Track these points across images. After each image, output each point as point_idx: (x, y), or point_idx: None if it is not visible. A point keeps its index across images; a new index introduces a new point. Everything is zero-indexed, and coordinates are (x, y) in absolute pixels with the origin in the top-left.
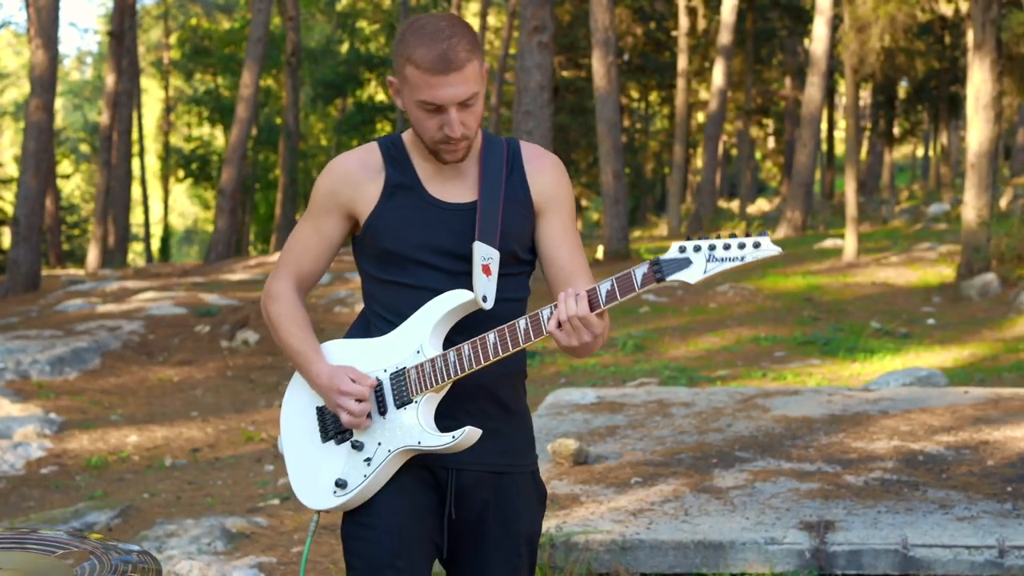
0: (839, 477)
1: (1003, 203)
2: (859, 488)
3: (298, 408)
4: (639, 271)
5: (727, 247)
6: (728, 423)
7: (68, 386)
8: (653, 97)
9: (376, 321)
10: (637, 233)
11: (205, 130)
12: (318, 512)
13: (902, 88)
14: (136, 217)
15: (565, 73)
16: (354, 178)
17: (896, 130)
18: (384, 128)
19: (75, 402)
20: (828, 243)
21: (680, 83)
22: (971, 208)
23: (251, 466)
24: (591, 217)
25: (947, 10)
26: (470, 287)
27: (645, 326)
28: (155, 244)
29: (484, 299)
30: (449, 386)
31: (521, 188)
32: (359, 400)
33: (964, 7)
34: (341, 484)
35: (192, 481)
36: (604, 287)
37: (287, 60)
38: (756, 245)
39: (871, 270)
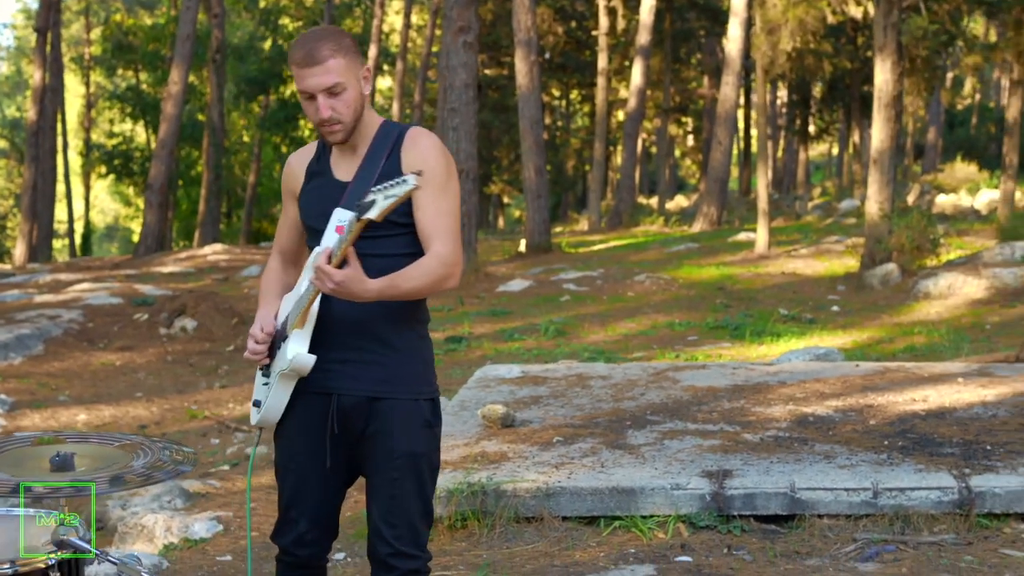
0: (738, 435)
1: (910, 199)
2: (755, 444)
3: None
4: (348, 216)
5: (392, 185)
6: (641, 392)
7: (14, 370)
8: (574, 95)
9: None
10: (559, 228)
11: (127, 126)
12: (258, 429)
13: (817, 88)
14: (58, 213)
15: (487, 71)
16: (293, 170)
17: (811, 128)
18: (307, 125)
19: (23, 384)
20: (741, 236)
21: (600, 82)
22: (874, 202)
23: (198, 440)
24: (512, 214)
25: (856, 12)
26: (362, 248)
27: (566, 313)
28: (76, 240)
29: (331, 256)
30: (309, 320)
31: (395, 164)
32: (258, 342)
33: (873, 9)
34: (256, 404)
35: None
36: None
37: (212, 57)
38: (406, 181)
39: (781, 261)
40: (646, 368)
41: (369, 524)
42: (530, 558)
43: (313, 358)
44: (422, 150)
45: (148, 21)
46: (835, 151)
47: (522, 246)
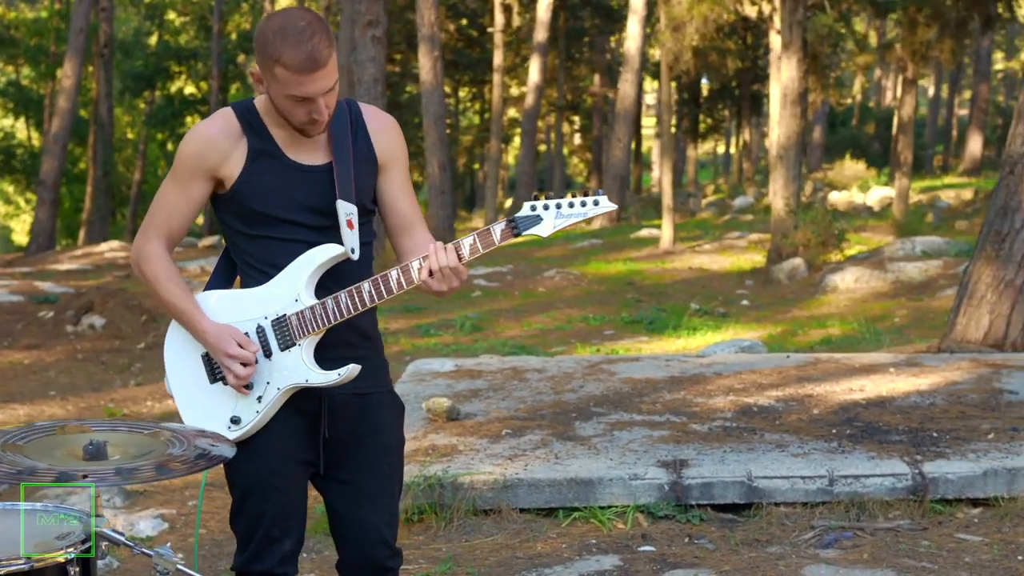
0: (686, 426)
1: (804, 195)
2: (704, 434)
3: (182, 354)
4: (497, 228)
5: (571, 204)
6: (580, 385)
7: None
8: (463, 93)
9: (248, 271)
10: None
11: (8, 122)
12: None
13: (705, 86)
14: None
15: None
16: (219, 144)
17: (701, 127)
18: (195, 121)
19: None
20: (644, 232)
21: (496, 78)
22: (779, 197)
23: None
24: None
25: (751, 12)
26: (334, 239)
27: (479, 308)
28: None
29: (352, 251)
30: (327, 330)
31: (367, 147)
32: (245, 364)
33: (767, 8)
34: (236, 420)
35: None
36: (466, 242)
37: (99, 52)
38: (596, 203)
39: (687, 257)
40: (580, 361)
41: (355, 529)
42: (492, 550)
43: (359, 367)
44: (392, 133)
45: (30, 15)
46: (720, 149)
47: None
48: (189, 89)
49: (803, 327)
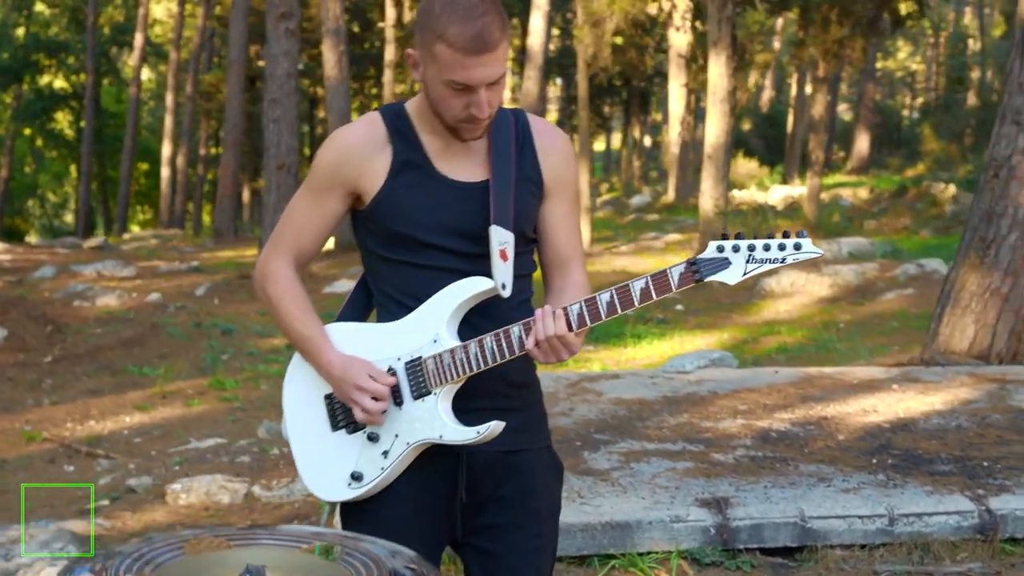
0: (707, 456)
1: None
2: (733, 465)
3: (302, 394)
4: (676, 271)
5: (767, 247)
6: (570, 407)
7: None
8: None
9: (385, 302)
10: None
11: None
12: (330, 504)
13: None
14: None
15: (261, 63)
16: (359, 153)
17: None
18: (66, 118)
19: None
20: None
21: (388, 74)
22: (708, 197)
23: (46, 467)
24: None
25: (667, 6)
26: (484, 270)
27: None
28: None
29: (503, 287)
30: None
31: (532, 166)
32: (376, 399)
33: (681, 5)
34: (357, 477)
35: None
36: (638, 285)
37: None
38: (797, 247)
39: (607, 259)
40: (558, 379)
41: None
42: None
43: (503, 424)
44: (564, 153)
45: None
46: (601, 147)
47: (331, 242)
48: (59, 83)
49: (753, 335)
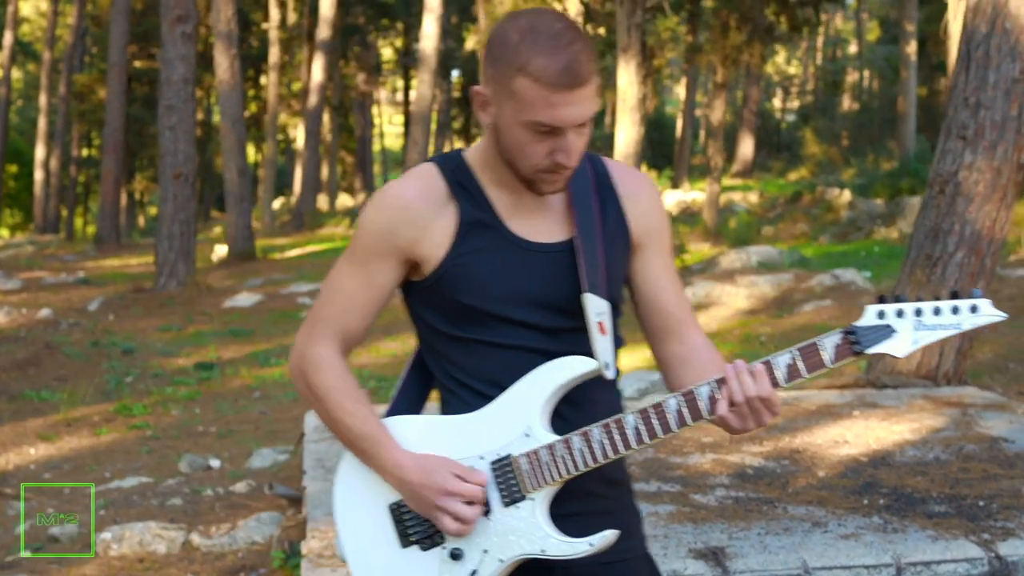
0: (687, 497)
1: None
2: (718, 508)
3: (359, 504)
4: (829, 342)
5: (937, 311)
6: None
7: None
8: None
9: (455, 389)
10: (217, 230)
11: None
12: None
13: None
14: None
15: (137, 63)
16: (417, 214)
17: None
18: None
19: None
20: None
21: (272, 76)
22: None
23: None
24: (150, 212)
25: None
26: (572, 348)
27: None
28: None
29: (607, 367)
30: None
31: (618, 220)
32: (475, 501)
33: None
34: None
35: None
36: (783, 360)
37: None
38: (974, 309)
39: None
40: None
41: None
42: None
43: (617, 534)
44: (652, 199)
45: None
46: None
47: (217, 252)
48: None
49: None
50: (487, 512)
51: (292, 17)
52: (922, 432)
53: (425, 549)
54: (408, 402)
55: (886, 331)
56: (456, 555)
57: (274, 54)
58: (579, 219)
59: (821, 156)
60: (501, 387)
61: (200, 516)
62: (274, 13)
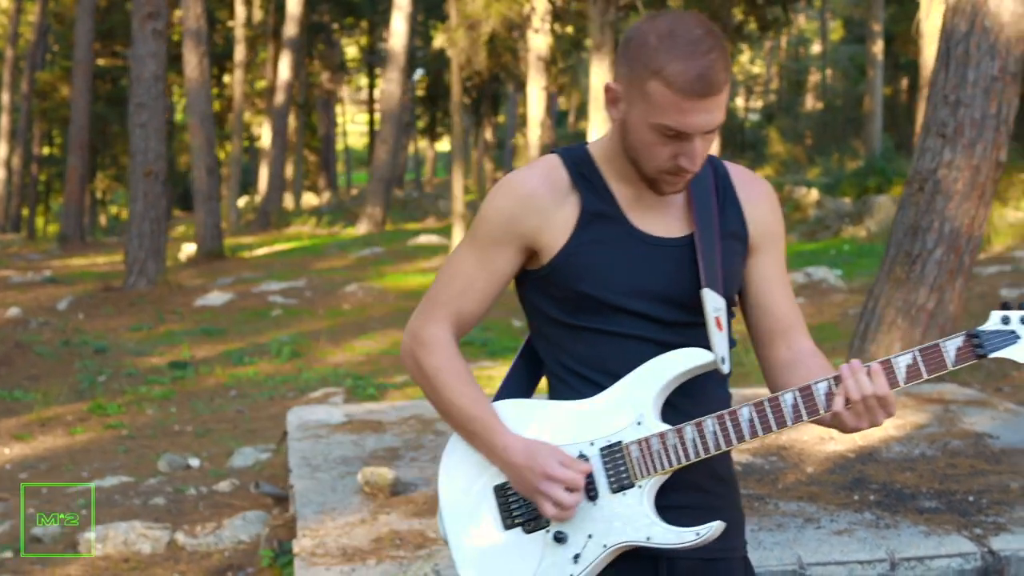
0: None
1: None
2: None
3: (465, 484)
4: (951, 344)
5: None
6: None
7: None
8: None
9: (565, 376)
10: (182, 229)
11: None
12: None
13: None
14: None
15: (101, 61)
16: (541, 202)
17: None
18: None
19: None
20: (423, 239)
21: (238, 74)
22: None
23: None
24: (111, 211)
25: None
26: (686, 340)
27: (288, 330)
28: None
29: (722, 361)
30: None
31: (737, 221)
32: (571, 489)
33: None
34: None
35: None
36: (903, 360)
37: None
38: None
39: None
40: None
41: None
42: None
43: (724, 525)
44: (770, 203)
45: None
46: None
47: (184, 250)
48: None
49: None
50: (594, 497)
51: (258, 15)
52: (906, 428)
53: (528, 531)
54: (517, 387)
55: (1010, 337)
56: (560, 538)
57: (240, 52)
58: (698, 216)
59: (786, 155)
60: (613, 375)
61: (184, 515)
62: (240, 11)
